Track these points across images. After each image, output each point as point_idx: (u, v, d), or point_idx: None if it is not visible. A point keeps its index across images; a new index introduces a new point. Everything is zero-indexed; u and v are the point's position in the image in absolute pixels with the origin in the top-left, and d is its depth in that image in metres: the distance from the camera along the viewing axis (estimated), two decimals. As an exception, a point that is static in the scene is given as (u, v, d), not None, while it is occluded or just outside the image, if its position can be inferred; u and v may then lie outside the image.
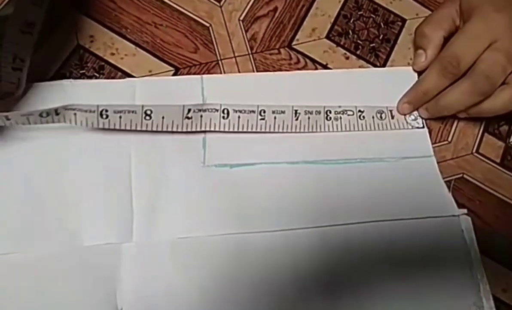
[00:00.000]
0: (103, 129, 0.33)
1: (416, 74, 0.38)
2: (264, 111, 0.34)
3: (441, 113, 0.36)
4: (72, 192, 0.32)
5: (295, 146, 0.35)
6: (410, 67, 0.38)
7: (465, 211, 0.34)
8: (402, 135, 0.36)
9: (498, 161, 0.37)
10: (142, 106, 0.32)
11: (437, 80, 0.35)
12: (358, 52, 0.39)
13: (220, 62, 0.37)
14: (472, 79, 0.33)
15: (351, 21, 0.40)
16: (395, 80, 0.38)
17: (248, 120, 0.34)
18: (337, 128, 0.35)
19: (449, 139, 0.37)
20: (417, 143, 0.36)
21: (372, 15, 0.41)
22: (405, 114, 0.37)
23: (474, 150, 0.37)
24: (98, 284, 0.30)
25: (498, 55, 0.33)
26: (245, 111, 0.34)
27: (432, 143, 0.36)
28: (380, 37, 0.40)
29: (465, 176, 0.36)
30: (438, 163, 0.35)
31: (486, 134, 0.38)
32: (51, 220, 0.31)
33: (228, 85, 0.36)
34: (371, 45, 0.40)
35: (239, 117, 0.34)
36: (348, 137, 0.35)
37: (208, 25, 0.38)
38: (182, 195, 0.32)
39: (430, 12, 0.40)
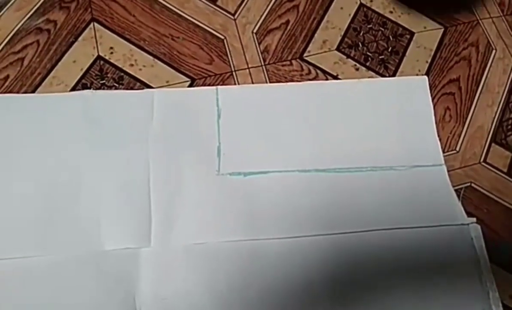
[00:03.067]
0: (122, 138, 0.34)
1: (427, 83, 0.39)
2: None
3: None
4: (91, 198, 0.33)
5: (307, 155, 0.36)
6: (421, 76, 0.39)
7: (475, 219, 0.34)
8: (414, 144, 0.37)
9: (505, 170, 0.38)
10: None
11: None
12: (367, 63, 0.40)
13: (234, 73, 0.38)
14: None
15: (361, 34, 0.42)
16: (406, 89, 0.39)
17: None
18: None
19: (457, 148, 0.38)
20: (428, 152, 0.37)
21: (381, 28, 0.42)
22: None
23: (481, 160, 0.38)
24: (117, 287, 0.31)
25: None
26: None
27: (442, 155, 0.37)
28: (389, 50, 0.41)
29: (473, 184, 0.37)
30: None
31: (493, 144, 0.39)
32: (70, 225, 0.32)
33: (242, 96, 0.37)
34: (380, 57, 0.41)
35: None
36: (360, 146, 0.36)
37: (222, 37, 0.39)
38: (198, 202, 0.33)
39: (438, 26, 0.41)
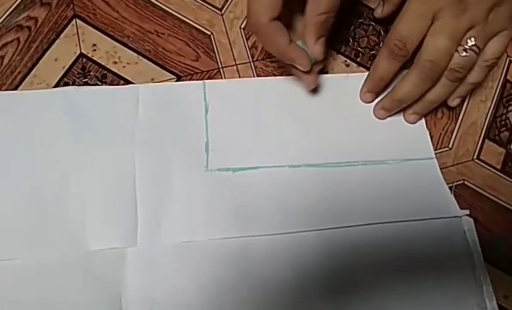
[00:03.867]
0: (107, 135, 0.33)
1: None
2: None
3: (399, 106, 0.36)
4: (76, 197, 0.32)
5: (296, 150, 0.35)
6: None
7: (467, 211, 0.34)
8: (404, 138, 0.36)
9: (498, 167, 0.37)
10: None
11: (388, 64, 0.35)
12: (358, 59, 0.40)
13: (221, 70, 0.37)
14: (420, 68, 0.33)
15: (352, 28, 0.41)
16: None
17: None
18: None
19: (450, 146, 0.37)
20: (418, 146, 0.36)
21: (372, 23, 0.41)
22: (368, 103, 0.37)
23: (475, 157, 0.37)
24: (103, 288, 0.30)
25: (439, 39, 0.32)
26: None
27: (433, 150, 0.36)
28: (380, 45, 0.40)
29: (466, 182, 0.36)
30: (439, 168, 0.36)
31: (486, 140, 0.38)
32: (55, 225, 0.31)
33: (230, 90, 0.36)
34: (371, 52, 0.40)
35: None
36: (350, 140, 0.36)
37: (209, 33, 0.39)
38: (186, 199, 0.33)
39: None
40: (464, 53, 0.32)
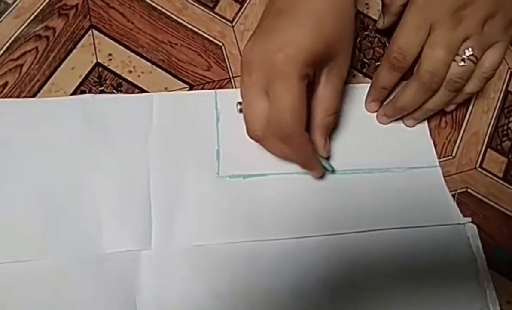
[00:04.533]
0: (123, 141, 0.34)
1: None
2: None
3: (400, 114, 0.37)
4: (92, 201, 0.33)
5: None
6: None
7: (470, 219, 0.35)
8: (409, 146, 0.38)
9: (501, 175, 0.38)
10: None
11: (390, 76, 0.36)
12: (364, 70, 0.41)
13: (232, 79, 0.39)
14: (419, 78, 0.34)
15: (358, 40, 0.42)
16: None
17: None
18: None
19: (453, 154, 0.38)
20: (423, 155, 0.37)
21: (377, 35, 0.42)
22: (373, 112, 0.38)
23: (477, 165, 0.38)
24: (118, 290, 0.31)
25: (436, 50, 0.33)
26: None
27: (437, 158, 0.37)
28: (386, 56, 0.41)
29: (469, 190, 0.37)
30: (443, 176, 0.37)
31: (489, 149, 0.39)
32: (71, 228, 0.32)
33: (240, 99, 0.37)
34: (377, 63, 0.41)
35: None
36: (356, 148, 0.37)
37: (220, 44, 0.40)
38: (198, 204, 0.34)
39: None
40: (462, 63, 0.33)
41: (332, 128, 0.36)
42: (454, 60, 0.33)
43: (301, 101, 0.30)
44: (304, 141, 0.32)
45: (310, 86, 0.32)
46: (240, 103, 0.35)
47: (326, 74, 0.32)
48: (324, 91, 0.32)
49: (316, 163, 0.34)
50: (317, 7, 0.30)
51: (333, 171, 0.35)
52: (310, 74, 0.30)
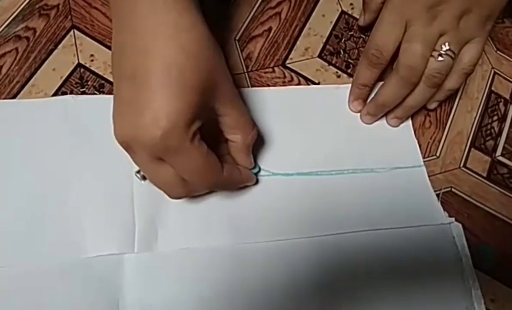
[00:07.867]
0: (105, 143, 0.34)
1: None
2: None
3: (382, 111, 0.37)
4: (75, 204, 0.32)
5: (289, 159, 0.36)
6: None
7: (453, 219, 0.35)
8: (393, 146, 0.38)
9: (484, 175, 0.38)
10: None
11: (369, 73, 0.36)
12: (349, 70, 0.41)
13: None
14: (399, 73, 0.34)
15: (343, 41, 0.42)
16: None
17: None
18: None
19: (438, 154, 0.39)
20: (407, 154, 0.38)
21: (362, 35, 0.42)
22: (358, 111, 0.38)
23: (461, 165, 0.38)
24: (101, 293, 0.30)
25: (414, 45, 0.33)
26: None
27: (422, 158, 0.37)
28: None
29: (453, 189, 0.37)
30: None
31: (473, 149, 0.39)
32: (54, 232, 0.32)
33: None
34: (362, 64, 0.41)
35: None
36: (340, 149, 0.37)
37: (205, 45, 0.39)
38: (182, 207, 0.33)
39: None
40: (440, 58, 0.34)
41: (316, 129, 0.36)
42: (431, 55, 0.34)
43: (207, 155, 0.28)
44: (227, 178, 0.30)
45: (210, 123, 0.29)
46: (138, 172, 0.33)
47: (219, 105, 0.28)
48: (231, 119, 0.30)
49: (248, 178, 0.34)
50: (168, 61, 0.25)
51: (259, 170, 0.35)
52: (199, 125, 0.27)
